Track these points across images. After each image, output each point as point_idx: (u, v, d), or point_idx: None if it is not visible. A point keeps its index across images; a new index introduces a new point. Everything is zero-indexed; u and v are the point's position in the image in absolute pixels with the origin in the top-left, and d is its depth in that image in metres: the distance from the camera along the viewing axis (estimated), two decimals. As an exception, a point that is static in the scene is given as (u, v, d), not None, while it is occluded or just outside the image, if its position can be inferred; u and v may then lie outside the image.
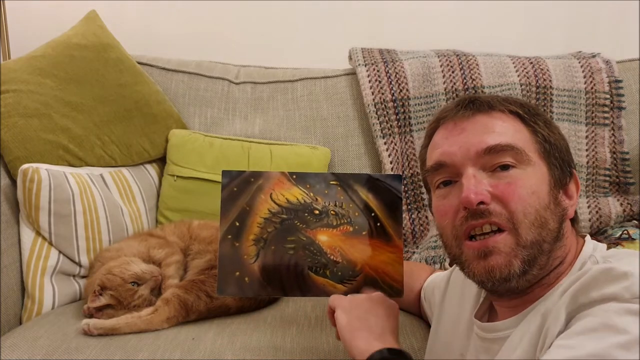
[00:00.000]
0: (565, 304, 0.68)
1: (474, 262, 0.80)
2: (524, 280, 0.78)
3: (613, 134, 1.69)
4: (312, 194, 0.96)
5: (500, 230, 0.78)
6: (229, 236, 0.94)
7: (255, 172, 0.97)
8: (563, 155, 0.83)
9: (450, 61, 1.73)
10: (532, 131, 0.82)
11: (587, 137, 1.69)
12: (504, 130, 0.81)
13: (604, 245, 0.83)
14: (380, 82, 1.72)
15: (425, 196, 1.68)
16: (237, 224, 0.94)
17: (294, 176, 0.96)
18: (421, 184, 1.68)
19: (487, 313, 0.91)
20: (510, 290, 0.79)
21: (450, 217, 0.82)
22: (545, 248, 0.78)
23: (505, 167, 0.79)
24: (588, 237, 0.85)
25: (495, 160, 0.79)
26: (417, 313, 1.25)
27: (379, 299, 0.93)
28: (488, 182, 0.79)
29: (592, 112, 1.70)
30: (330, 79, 1.81)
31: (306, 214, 0.95)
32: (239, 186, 0.96)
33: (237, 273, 0.94)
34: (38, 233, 1.36)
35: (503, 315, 0.85)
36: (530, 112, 0.84)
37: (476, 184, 0.78)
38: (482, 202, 0.77)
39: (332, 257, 0.95)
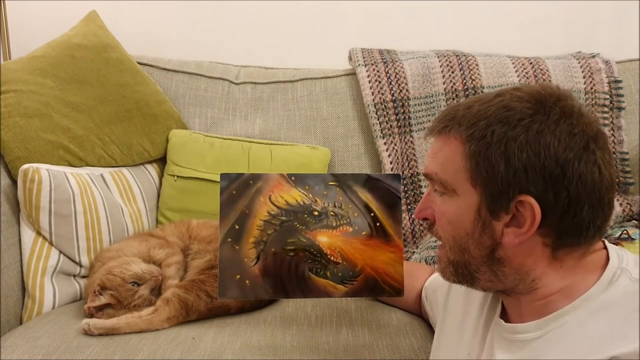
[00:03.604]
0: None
1: None
2: (481, 288, 0.85)
3: (613, 134, 1.69)
4: (311, 195, 0.96)
5: None
6: (229, 239, 0.94)
7: (254, 175, 0.97)
8: (500, 180, 0.76)
9: (450, 61, 1.73)
10: (467, 157, 0.78)
11: (586, 137, 1.69)
12: (440, 157, 0.83)
13: (627, 254, 0.81)
14: (380, 82, 1.72)
15: (425, 196, 1.68)
16: (237, 227, 0.95)
17: (293, 178, 0.97)
18: (421, 184, 1.68)
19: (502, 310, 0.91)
20: (500, 292, 0.84)
21: None
22: (476, 269, 0.82)
23: (439, 191, 0.83)
24: (606, 242, 0.83)
25: (433, 185, 0.85)
26: (418, 313, 1.25)
27: None
28: (434, 201, 0.84)
29: (592, 112, 1.70)
30: (330, 79, 1.82)
31: (305, 216, 0.95)
32: (238, 189, 0.96)
33: (238, 276, 0.94)
34: (38, 233, 1.37)
35: (514, 313, 0.85)
36: (475, 135, 0.78)
37: (423, 202, 0.86)
38: (424, 218, 0.86)
39: (332, 258, 0.95)
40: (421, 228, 1.67)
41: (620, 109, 1.71)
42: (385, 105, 1.71)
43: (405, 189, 1.68)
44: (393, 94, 1.71)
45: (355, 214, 0.96)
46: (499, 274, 0.80)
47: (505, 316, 0.88)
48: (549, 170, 0.74)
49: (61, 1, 1.96)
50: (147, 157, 1.67)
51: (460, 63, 1.73)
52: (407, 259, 1.56)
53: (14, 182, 1.41)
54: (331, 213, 0.96)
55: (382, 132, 1.70)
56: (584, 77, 1.72)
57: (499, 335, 0.86)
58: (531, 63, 1.74)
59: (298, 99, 1.79)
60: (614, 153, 1.68)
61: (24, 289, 1.35)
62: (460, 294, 1.01)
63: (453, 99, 1.70)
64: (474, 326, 0.93)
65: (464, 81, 1.70)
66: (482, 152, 0.77)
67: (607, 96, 1.71)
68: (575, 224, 0.75)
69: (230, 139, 1.69)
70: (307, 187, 0.96)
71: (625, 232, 1.50)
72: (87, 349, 1.09)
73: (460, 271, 0.83)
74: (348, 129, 1.75)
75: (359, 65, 1.77)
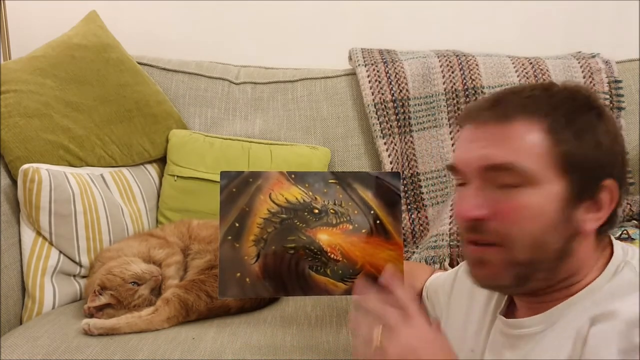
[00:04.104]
0: (616, 339, 0.67)
1: (471, 266, 0.81)
2: (523, 290, 0.78)
3: (613, 134, 1.69)
4: (311, 193, 0.96)
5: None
6: (229, 237, 0.94)
7: (253, 173, 0.97)
8: (591, 167, 0.77)
9: (450, 61, 1.73)
10: (553, 144, 0.76)
11: (586, 137, 1.69)
12: (514, 144, 0.76)
13: (634, 249, 0.81)
14: (380, 82, 1.72)
15: (425, 196, 1.68)
16: (237, 225, 0.94)
17: (293, 176, 0.96)
18: (421, 184, 1.68)
19: (506, 307, 0.90)
20: (515, 293, 0.80)
21: (458, 220, 0.81)
22: (545, 266, 0.77)
23: (511, 184, 0.76)
24: (612, 238, 0.83)
25: (499, 178, 0.76)
26: (418, 313, 1.25)
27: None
28: (493, 196, 0.76)
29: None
30: (330, 79, 1.82)
31: (306, 213, 0.95)
32: (238, 187, 0.96)
33: (238, 274, 0.94)
34: (38, 233, 1.37)
35: (524, 310, 0.84)
36: (560, 121, 0.77)
37: (474, 199, 0.77)
38: (475, 219, 0.76)
39: (332, 255, 0.95)
40: (421, 228, 1.67)
41: (620, 109, 1.71)
42: (385, 105, 1.71)
43: (405, 189, 1.68)
44: (393, 94, 1.71)
45: (355, 212, 0.96)
46: (559, 269, 0.77)
47: (511, 313, 0.88)
48: (624, 154, 0.79)
49: (61, 1, 1.96)
50: (147, 157, 1.67)
51: (460, 63, 1.73)
52: (407, 259, 1.56)
53: (14, 182, 1.41)
54: (331, 211, 0.96)
55: (382, 132, 1.70)
56: (584, 77, 1.72)
57: (501, 332, 0.86)
58: (531, 63, 1.74)
59: (298, 99, 1.79)
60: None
61: (24, 289, 1.35)
62: (463, 292, 1.01)
63: (453, 99, 1.70)
64: (479, 323, 0.92)
65: (464, 81, 1.70)
66: (571, 139, 0.76)
67: (607, 96, 1.71)
68: (617, 208, 0.78)
69: (230, 139, 1.69)
70: (307, 185, 0.96)
71: (625, 232, 1.50)
72: (87, 349, 1.09)
73: (522, 273, 0.76)
74: (348, 129, 1.76)
75: (359, 65, 1.77)
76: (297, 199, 0.95)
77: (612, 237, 0.82)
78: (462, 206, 0.78)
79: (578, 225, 0.77)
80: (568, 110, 0.77)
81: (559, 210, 0.75)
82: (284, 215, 0.95)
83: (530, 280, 0.77)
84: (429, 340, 0.77)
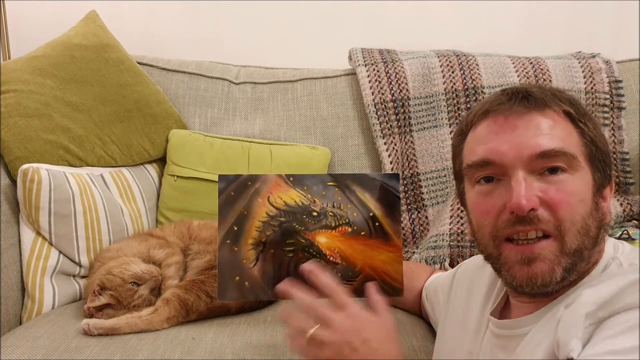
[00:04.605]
0: (585, 315, 0.68)
1: (515, 266, 0.78)
2: (561, 286, 0.77)
3: (613, 134, 1.69)
4: (309, 196, 0.96)
5: (545, 235, 0.76)
6: (228, 241, 0.94)
7: (252, 176, 0.97)
8: (605, 159, 0.81)
9: (450, 61, 1.73)
10: (580, 133, 0.79)
11: (587, 137, 1.69)
12: (557, 132, 0.78)
13: (625, 245, 0.82)
14: (380, 82, 1.72)
15: (425, 196, 1.68)
16: (236, 228, 0.94)
17: (291, 178, 0.96)
18: (421, 184, 1.68)
19: (501, 308, 0.91)
20: (544, 294, 0.78)
21: (492, 217, 0.79)
22: (585, 255, 0.76)
23: (554, 171, 0.77)
24: (606, 236, 0.84)
25: (547, 164, 0.77)
26: (418, 313, 1.25)
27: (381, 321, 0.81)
28: (537, 186, 0.76)
29: (592, 112, 1.70)
30: (330, 79, 1.82)
31: (304, 216, 0.95)
32: (236, 190, 0.95)
33: (237, 278, 0.94)
34: (38, 233, 1.37)
35: (518, 311, 0.85)
36: (580, 112, 0.81)
37: (527, 189, 0.75)
38: (532, 209, 0.75)
39: (331, 258, 0.95)
40: (421, 228, 1.67)
41: (620, 108, 1.71)
42: (385, 105, 1.71)
43: (405, 189, 1.68)
44: (393, 94, 1.71)
45: (354, 214, 0.96)
46: (590, 260, 0.78)
47: (506, 314, 0.88)
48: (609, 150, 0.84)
49: (61, 1, 1.96)
50: (147, 157, 1.67)
51: (461, 63, 1.73)
52: (407, 259, 1.57)
53: (14, 182, 1.41)
54: (330, 213, 0.95)
55: (382, 132, 1.70)
56: (585, 77, 1.72)
57: (493, 333, 0.86)
58: (531, 63, 1.74)
59: (298, 99, 1.79)
60: (614, 153, 1.68)
61: (23, 289, 1.35)
62: (462, 293, 1.01)
63: (453, 99, 1.70)
64: (476, 324, 0.93)
65: (464, 81, 1.70)
66: (589, 129, 0.80)
67: (608, 96, 1.71)
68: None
69: (230, 139, 1.69)
70: (305, 188, 0.96)
71: (625, 232, 1.51)
72: (87, 349, 1.09)
73: (569, 264, 0.76)
74: (348, 129, 1.75)
75: (359, 65, 1.77)
76: (295, 201, 0.95)
77: (606, 235, 0.83)
78: (511, 199, 0.76)
79: (603, 215, 0.80)
80: (580, 105, 0.82)
81: (592, 198, 0.78)
82: (282, 219, 0.95)
83: (573, 273, 0.76)
84: (365, 321, 0.77)
